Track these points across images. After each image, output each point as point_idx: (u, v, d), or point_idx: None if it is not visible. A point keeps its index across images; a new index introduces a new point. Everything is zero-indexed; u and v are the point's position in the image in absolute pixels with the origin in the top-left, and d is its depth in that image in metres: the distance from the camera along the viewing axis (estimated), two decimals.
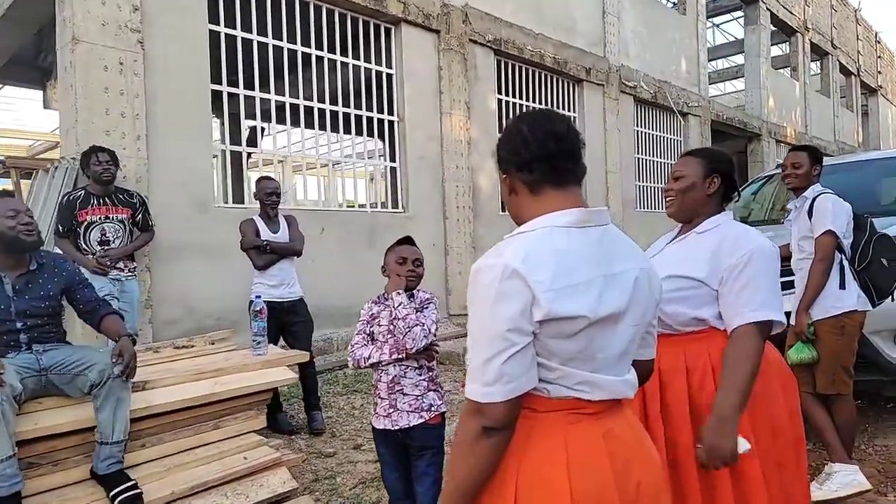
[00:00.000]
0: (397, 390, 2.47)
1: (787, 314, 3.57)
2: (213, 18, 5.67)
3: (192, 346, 3.92)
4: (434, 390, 2.53)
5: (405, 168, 7.37)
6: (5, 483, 2.38)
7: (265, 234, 4.36)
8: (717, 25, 22.71)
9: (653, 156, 12.21)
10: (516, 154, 1.30)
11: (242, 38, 5.94)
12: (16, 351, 2.65)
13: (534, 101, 9.40)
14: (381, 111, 7.28)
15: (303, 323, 4.41)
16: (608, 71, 10.63)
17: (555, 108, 9.81)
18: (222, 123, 10.72)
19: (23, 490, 2.46)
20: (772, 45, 17.32)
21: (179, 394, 3.12)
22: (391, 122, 7.36)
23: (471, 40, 8.07)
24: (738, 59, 20.98)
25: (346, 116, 7.18)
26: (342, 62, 6.86)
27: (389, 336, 2.48)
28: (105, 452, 2.69)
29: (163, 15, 5.16)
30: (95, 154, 4.41)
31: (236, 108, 6.44)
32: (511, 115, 9.11)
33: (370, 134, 8.00)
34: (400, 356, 2.43)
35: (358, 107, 7.16)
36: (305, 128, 6.63)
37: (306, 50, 6.51)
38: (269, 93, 6.27)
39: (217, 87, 5.64)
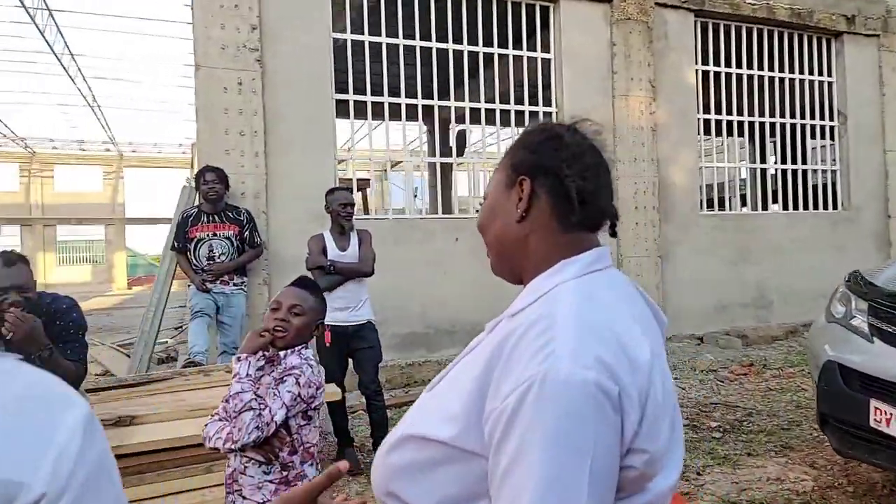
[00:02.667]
0: (235, 490, 1.86)
1: None
2: (358, 28, 5.58)
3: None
4: None
5: None
6: None
7: (332, 252, 4.02)
8: None
9: None
10: None
11: (365, 41, 5.72)
12: None
13: (759, 69, 7.37)
14: (534, 103, 6.40)
15: (368, 350, 3.95)
16: (886, 15, 7.82)
17: (794, 73, 7.57)
18: (431, 132, 10.93)
19: None
20: None
21: (163, 432, 2.94)
22: (547, 115, 6.43)
23: (658, 4, 6.62)
24: None
25: (504, 113, 6.48)
26: (485, 53, 6.19)
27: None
28: None
29: (282, 31, 5.20)
30: (204, 174, 4.61)
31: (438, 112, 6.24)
32: (721, 89, 7.33)
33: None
34: (235, 446, 1.80)
35: (517, 101, 6.42)
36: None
37: (449, 46, 6.01)
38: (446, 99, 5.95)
39: (342, 97, 5.51)
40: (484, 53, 6.18)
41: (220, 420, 1.91)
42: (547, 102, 6.43)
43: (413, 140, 16.60)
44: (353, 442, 4.07)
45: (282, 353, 1.95)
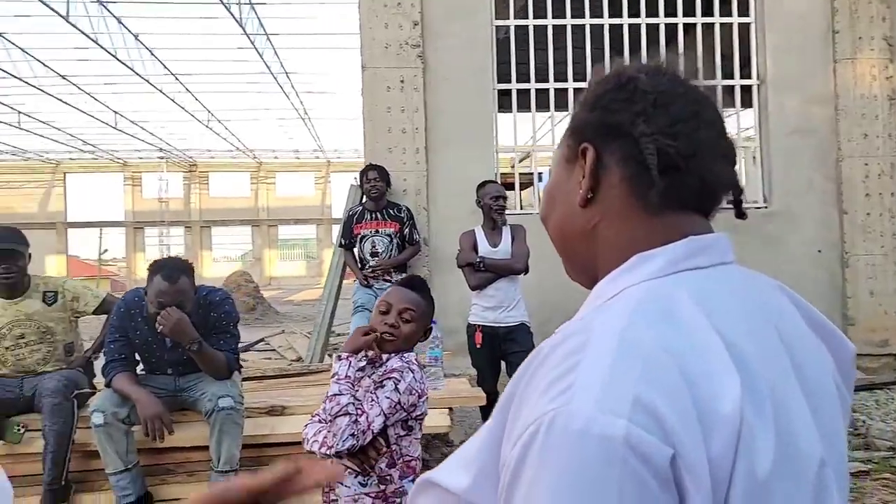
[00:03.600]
0: (332, 500, 1.74)
1: None
2: (522, 13, 5.35)
3: None
4: None
5: (767, 147, 5.41)
6: (119, 493, 2.69)
7: (483, 248, 3.81)
8: None
9: None
10: None
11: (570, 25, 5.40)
12: (159, 374, 2.92)
13: None
14: (729, 76, 5.53)
15: (522, 354, 3.62)
16: None
17: None
18: None
19: (133, 500, 2.70)
20: None
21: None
22: (746, 89, 5.52)
23: None
24: None
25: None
26: (667, 25, 5.48)
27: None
28: (212, 478, 2.75)
29: (443, 24, 5.12)
30: (366, 172, 4.71)
31: None
32: None
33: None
34: (330, 452, 1.68)
35: (708, 78, 5.63)
36: None
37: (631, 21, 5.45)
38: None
39: (505, 87, 5.29)
40: (666, 25, 5.49)
41: (319, 421, 1.81)
42: (746, 75, 5.53)
43: None
44: None
45: (384, 356, 1.80)
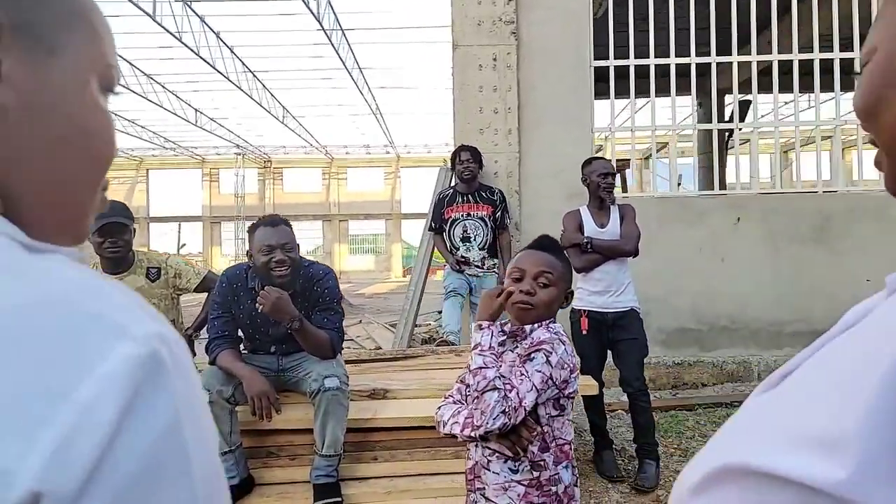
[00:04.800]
0: (478, 489, 1.56)
1: None
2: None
3: None
4: None
5: None
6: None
7: (590, 228, 3.55)
8: None
9: None
10: None
11: None
12: (262, 353, 2.84)
13: None
14: (848, 49, 5.01)
15: (631, 341, 3.41)
16: None
17: None
18: (700, 105, 9.67)
19: (237, 483, 2.62)
20: None
21: (413, 410, 2.81)
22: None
23: None
24: None
25: (805, 70, 5.24)
26: None
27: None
28: (315, 462, 2.65)
29: None
30: (459, 153, 4.54)
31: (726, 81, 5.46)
32: None
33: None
34: (476, 433, 1.49)
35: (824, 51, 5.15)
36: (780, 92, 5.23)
37: None
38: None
39: (602, 64, 4.99)
40: None
41: (454, 402, 1.63)
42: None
43: (687, 117, 15.10)
44: (612, 444, 3.57)
45: (527, 328, 1.60)
